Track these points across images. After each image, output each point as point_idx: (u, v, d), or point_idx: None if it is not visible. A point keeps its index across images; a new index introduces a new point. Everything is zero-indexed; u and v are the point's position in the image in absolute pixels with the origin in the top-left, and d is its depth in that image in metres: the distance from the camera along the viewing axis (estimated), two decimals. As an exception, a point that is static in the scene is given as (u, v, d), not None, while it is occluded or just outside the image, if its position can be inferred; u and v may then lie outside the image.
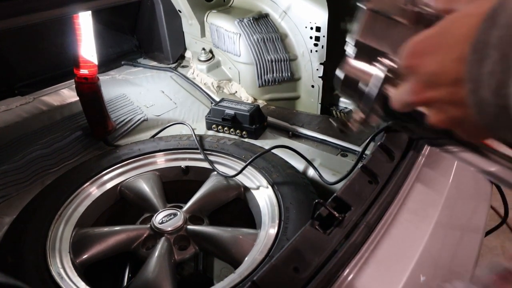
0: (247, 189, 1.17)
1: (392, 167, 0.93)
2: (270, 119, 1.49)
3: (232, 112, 1.40)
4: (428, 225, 0.88)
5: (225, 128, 1.44)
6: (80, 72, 1.31)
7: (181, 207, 1.13)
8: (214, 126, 1.45)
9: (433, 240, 0.84)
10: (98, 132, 1.42)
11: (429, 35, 0.38)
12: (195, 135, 1.32)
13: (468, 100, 0.34)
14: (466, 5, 0.37)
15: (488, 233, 1.20)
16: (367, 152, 1.18)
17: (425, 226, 0.87)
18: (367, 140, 1.14)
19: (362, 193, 0.83)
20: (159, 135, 1.45)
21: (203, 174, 1.25)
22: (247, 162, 1.17)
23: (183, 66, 1.96)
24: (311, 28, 1.48)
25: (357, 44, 0.56)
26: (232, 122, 1.40)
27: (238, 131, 1.42)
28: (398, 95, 0.43)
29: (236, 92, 1.72)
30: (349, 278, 0.70)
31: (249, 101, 1.64)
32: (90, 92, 1.35)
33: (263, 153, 1.20)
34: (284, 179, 1.13)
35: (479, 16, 0.33)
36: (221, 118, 1.41)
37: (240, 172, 1.17)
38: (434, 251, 0.84)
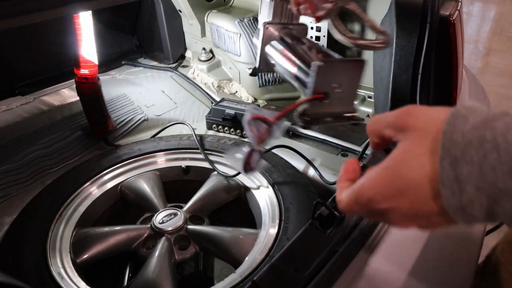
0: (247, 189, 1.18)
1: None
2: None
3: (232, 112, 1.40)
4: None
5: (226, 128, 1.44)
6: (81, 72, 1.31)
7: (181, 207, 1.13)
8: (214, 126, 1.45)
9: (433, 240, 0.84)
10: (98, 132, 1.42)
11: (385, 180, 0.39)
12: (195, 134, 1.32)
13: (455, 220, 0.36)
14: (407, 141, 0.39)
15: (488, 232, 1.20)
16: (367, 152, 1.18)
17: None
18: (367, 141, 1.14)
19: (363, 193, 0.83)
20: (159, 135, 1.45)
21: (203, 174, 1.25)
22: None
23: (183, 66, 1.96)
24: (312, 28, 1.48)
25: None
26: (233, 122, 1.40)
27: (238, 131, 1.42)
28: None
29: (237, 92, 1.72)
30: (350, 278, 0.70)
31: (250, 101, 1.64)
32: (90, 92, 1.35)
33: (263, 153, 1.20)
34: (285, 179, 1.13)
35: (428, 154, 0.35)
36: (222, 118, 1.41)
37: (239, 173, 1.17)
38: (434, 250, 0.84)
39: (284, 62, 0.80)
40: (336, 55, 0.72)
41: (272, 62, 0.85)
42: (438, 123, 0.35)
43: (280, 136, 0.71)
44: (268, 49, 0.85)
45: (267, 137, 0.70)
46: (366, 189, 0.40)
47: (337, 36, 0.71)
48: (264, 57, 0.87)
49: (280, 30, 0.86)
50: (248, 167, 0.72)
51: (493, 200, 0.32)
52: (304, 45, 0.79)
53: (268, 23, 0.85)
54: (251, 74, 0.98)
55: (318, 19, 0.72)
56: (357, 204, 0.42)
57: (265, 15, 0.86)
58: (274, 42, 0.84)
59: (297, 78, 0.75)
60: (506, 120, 0.32)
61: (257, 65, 0.91)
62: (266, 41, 0.86)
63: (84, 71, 1.30)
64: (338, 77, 0.66)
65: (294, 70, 0.76)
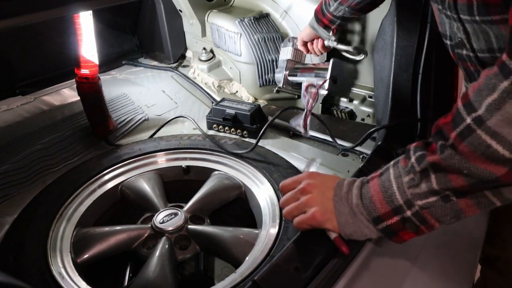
0: (248, 188, 1.18)
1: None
2: (270, 119, 1.49)
3: (233, 111, 1.40)
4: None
5: (226, 128, 1.44)
6: (81, 72, 1.31)
7: (182, 207, 1.13)
8: (215, 125, 1.45)
9: (433, 239, 0.84)
10: (99, 131, 1.42)
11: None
12: (198, 126, 1.33)
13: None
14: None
15: None
16: (368, 152, 1.18)
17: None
18: (362, 138, 1.16)
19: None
20: (160, 135, 1.45)
21: (204, 174, 1.25)
22: (264, 127, 1.30)
23: (184, 66, 1.96)
24: (312, 28, 1.48)
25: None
26: (233, 121, 1.40)
27: (239, 130, 1.42)
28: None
29: (237, 91, 1.72)
30: (350, 278, 0.70)
31: (250, 101, 1.64)
32: (91, 92, 1.35)
33: (273, 119, 1.30)
34: (285, 179, 1.12)
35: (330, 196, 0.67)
36: (222, 118, 1.41)
37: (254, 146, 1.24)
38: (435, 250, 0.84)
39: (304, 74, 1.41)
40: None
41: (291, 79, 1.45)
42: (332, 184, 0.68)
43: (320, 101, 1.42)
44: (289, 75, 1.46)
45: (316, 101, 1.20)
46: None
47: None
48: (286, 79, 1.47)
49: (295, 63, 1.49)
50: (305, 127, 1.16)
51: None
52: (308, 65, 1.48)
53: (289, 60, 1.47)
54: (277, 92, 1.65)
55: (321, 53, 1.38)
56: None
57: (286, 55, 1.49)
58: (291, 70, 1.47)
59: (316, 75, 1.35)
60: (355, 192, 0.63)
61: (280, 85, 1.49)
62: (287, 70, 1.46)
63: (84, 71, 1.30)
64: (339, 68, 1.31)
65: (312, 74, 1.37)
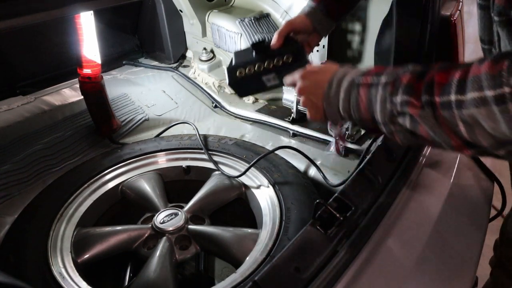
0: (248, 189, 1.18)
1: (393, 167, 0.93)
2: (270, 119, 1.49)
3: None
4: (429, 224, 0.88)
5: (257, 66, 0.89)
6: (84, 72, 1.31)
7: (182, 207, 1.13)
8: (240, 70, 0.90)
9: (434, 240, 0.84)
10: (103, 130, 1.43)
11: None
12: (199, 134, 1.32)
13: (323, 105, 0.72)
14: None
15: (491, 219, 1.20)
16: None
17: (427, 225, 0.87)
18: (371, 141, 1.15)
19: (363, 193, 0.83)
20: (160, 135, 1.45)
21: (204, 174, 1.25)
22: (251, 164, 1.16)
23: (184, 66, 1.96)
24: (313, 28, 1.47)
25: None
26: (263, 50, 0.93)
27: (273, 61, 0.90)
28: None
29: (237, 92, 1.72)
30: (351, 278, 0.70)
31: (250, 102, 1.64)
32: (94, 91, 1.36)
33: (266, 154, 1.20)
34: (286, 179, 1.13)
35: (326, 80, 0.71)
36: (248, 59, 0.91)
37: (244, 173, 1.17)
38: (435, 251, 0.84)
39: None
40: None
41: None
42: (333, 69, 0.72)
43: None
44: None
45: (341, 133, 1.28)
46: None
47: None
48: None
49: None
50: (339, 152, 1.28)
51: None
52: None
53: None
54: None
55: None
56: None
57: None
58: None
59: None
60: (342, 95, 0.68)
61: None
62: None
63: (87, 71, 1.31)
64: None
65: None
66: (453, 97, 0.51)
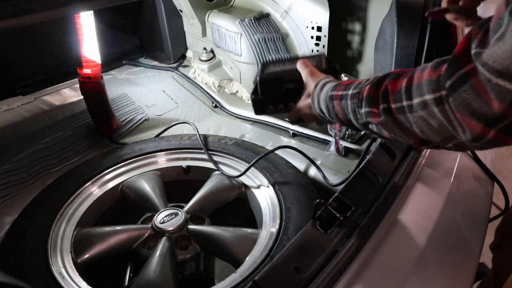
0: (248, 188, 1.18)
1: (393, 167, 0.93)
2: (270, 119, 1.49)
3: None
4: (429, 224, 0.88)
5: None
6: (84, 72, 1.31)
7: (182, 207, 1.13)
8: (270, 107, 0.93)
9: (434, 240, 0.84)
10: (103, 130, 1.43)
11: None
12: (199, 134, 1.32)
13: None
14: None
15: (491, 219, 1.20)
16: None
17: (427, 225, 0.87)
18: (371, 141, 1.14)
19: (363, 193, 0.83)
20: (160, 135, 1.45)
21: (204, 174, 1.25)
22: (251, 163, 1.16)
23: (184, 66, 1.96)
24: (312, 28, 1.48)
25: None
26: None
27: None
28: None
29: (237, 92, 1.72)
30: (351, 278, 0.70)
31: (250, 101, 1.64)
32: (94, 91, 1.36)
33: (266, 154, 1.20)
34: (285, 179, 1.13)
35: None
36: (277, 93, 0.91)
37: (244, 173, 1.17)
38: (435, 251, 0.84)
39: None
40: None
41: None
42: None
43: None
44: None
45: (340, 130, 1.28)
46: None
47: None
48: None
49: None
50: (339, 151, 1.29)
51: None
52: None
53: None
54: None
55: None
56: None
57: None
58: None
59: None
60: (325, 89, 0.76)
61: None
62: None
63: (87, 71, 1.31)
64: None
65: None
66: (404, 102, 0.58)
